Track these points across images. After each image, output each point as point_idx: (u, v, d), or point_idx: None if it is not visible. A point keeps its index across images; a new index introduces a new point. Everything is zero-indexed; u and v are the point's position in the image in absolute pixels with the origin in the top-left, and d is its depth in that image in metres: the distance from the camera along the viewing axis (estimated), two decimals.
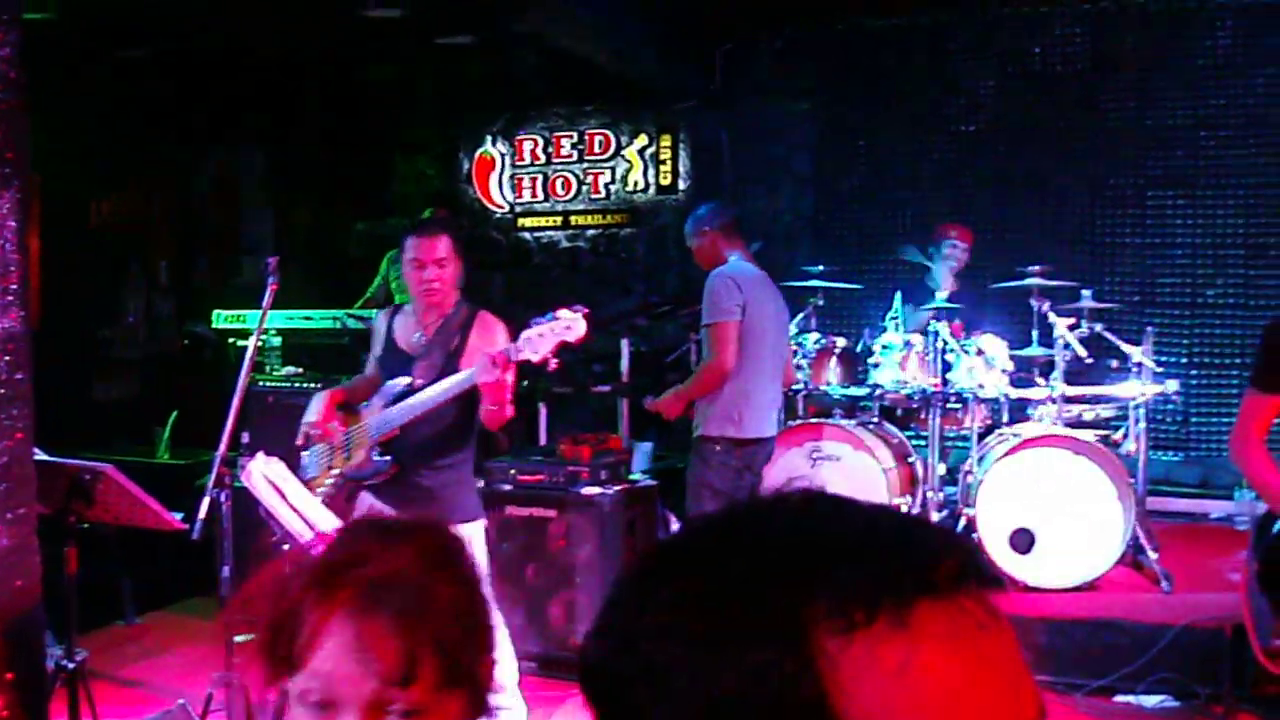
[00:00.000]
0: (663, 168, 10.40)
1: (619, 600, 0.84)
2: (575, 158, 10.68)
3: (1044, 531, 6.39)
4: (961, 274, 7.75)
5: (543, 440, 7.82)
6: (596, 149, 10.60)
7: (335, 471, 4.79)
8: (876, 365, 7.08)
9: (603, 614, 0.85)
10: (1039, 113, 9.13)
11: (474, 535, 4.86)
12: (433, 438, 4.80)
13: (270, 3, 8.39)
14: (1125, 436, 6.91)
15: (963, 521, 6.56)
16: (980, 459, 6.78)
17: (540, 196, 10.80)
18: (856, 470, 6.82)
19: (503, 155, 10.89)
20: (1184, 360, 8.55)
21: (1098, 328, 6.89)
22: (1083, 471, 6.40)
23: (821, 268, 7.56)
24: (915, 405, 7.18)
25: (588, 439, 6.52)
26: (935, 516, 6.86)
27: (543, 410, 8.09)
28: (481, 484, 6.35)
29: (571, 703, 5.64)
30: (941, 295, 7.30)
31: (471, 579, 1.69)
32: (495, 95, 10.78)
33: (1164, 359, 7.32)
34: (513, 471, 6.28)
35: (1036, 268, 6.93)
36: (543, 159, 10.79)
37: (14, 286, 3.36)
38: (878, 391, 7.09)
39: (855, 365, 7.23)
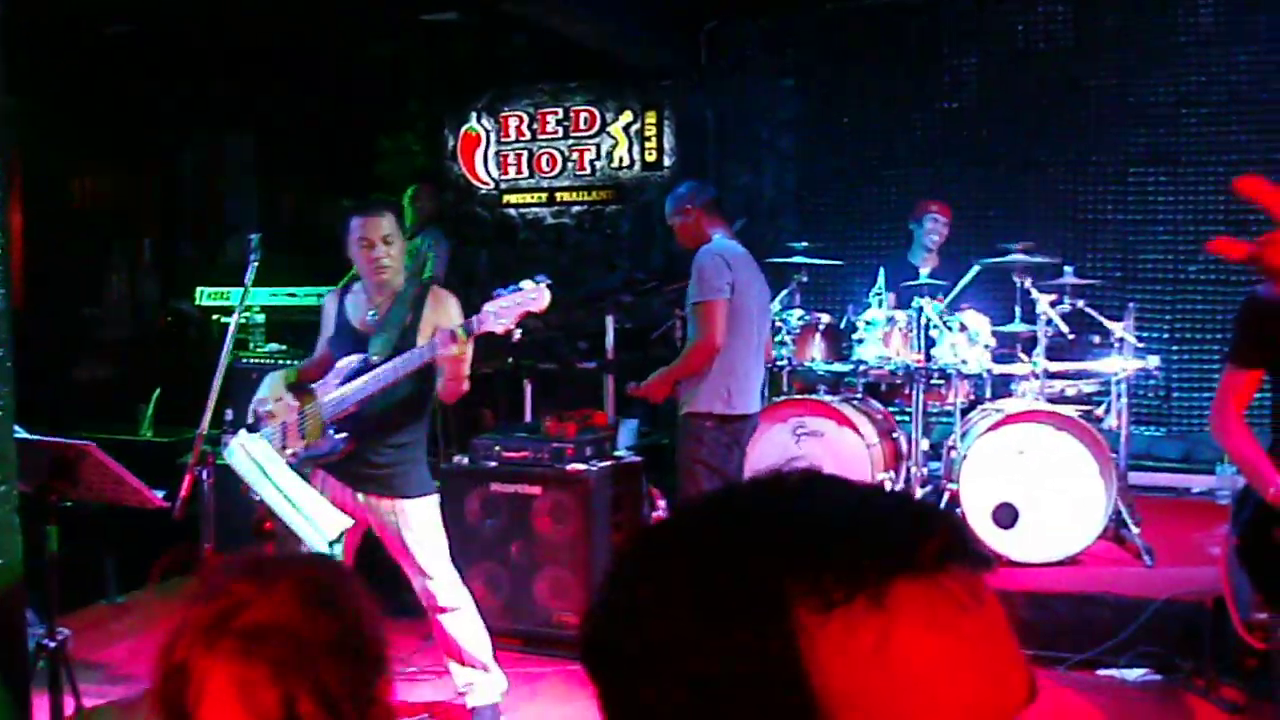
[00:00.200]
0: (648, 145, 10.38)
1: (617, 576, 0.86)
2: (561, 134, 10.67)
3: (1027, 506, 6.42)
4: (943, 250, 7.77)
5: (528, 417, 7.82)
6: (582, 126, 10.58)
7: (290, 451, 4.80)
8: (860, 341, 7.09)
9: (602, 589, 0.86)
10: (1022, 90, 9.13)
11: (426, 510, 4.90)
12: (388, 415, 4.83)
13: None
14: (1107, 412, 6.93)
15: (946, 496, 6.58)
16: (963, 434, 6.80)
17: (525, 173, 10.78)
18: (840, 446, 6.84)
19: (488, 132, 10.87)
20: (1166, 336, 8.57)
21: (1080, 304, 6.91)
22: (1065, 446, 6.42)
23: (805, 244, 7.57)
24: (899, 381, 7.20)
25: (573, 416, 6.53)
26: (919, 492, 6.88)
27: (528, 387, 8.09)
28: (466, 461, 6.38)
29: (556, 678, 5.66)
30: (924, 271, 7.32)
31: (352, 609, 1.74)
32: (481, 72, 10.74)
33: (1146, 335, 7.34)
34: (498, 448, 6.29)
35: (1019, 244, 6.95)
36: (528, 135, 10.76)
37: None
38: (861, 367, 7.10)
39: (839, 341, 7.24)
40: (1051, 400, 6.80)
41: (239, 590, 1.66)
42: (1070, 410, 6.66)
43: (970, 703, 0.77)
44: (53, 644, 4.06)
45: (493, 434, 6.58)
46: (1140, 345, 6.96)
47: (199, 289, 9.04)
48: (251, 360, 7.41)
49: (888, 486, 6.66)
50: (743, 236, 6.42)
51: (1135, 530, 6.53)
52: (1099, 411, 6.96)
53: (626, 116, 10.42)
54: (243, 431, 4.77)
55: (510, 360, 8.23)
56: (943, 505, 6.53)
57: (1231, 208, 8.57)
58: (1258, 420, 4.02)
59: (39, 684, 4.04)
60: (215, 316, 8.72)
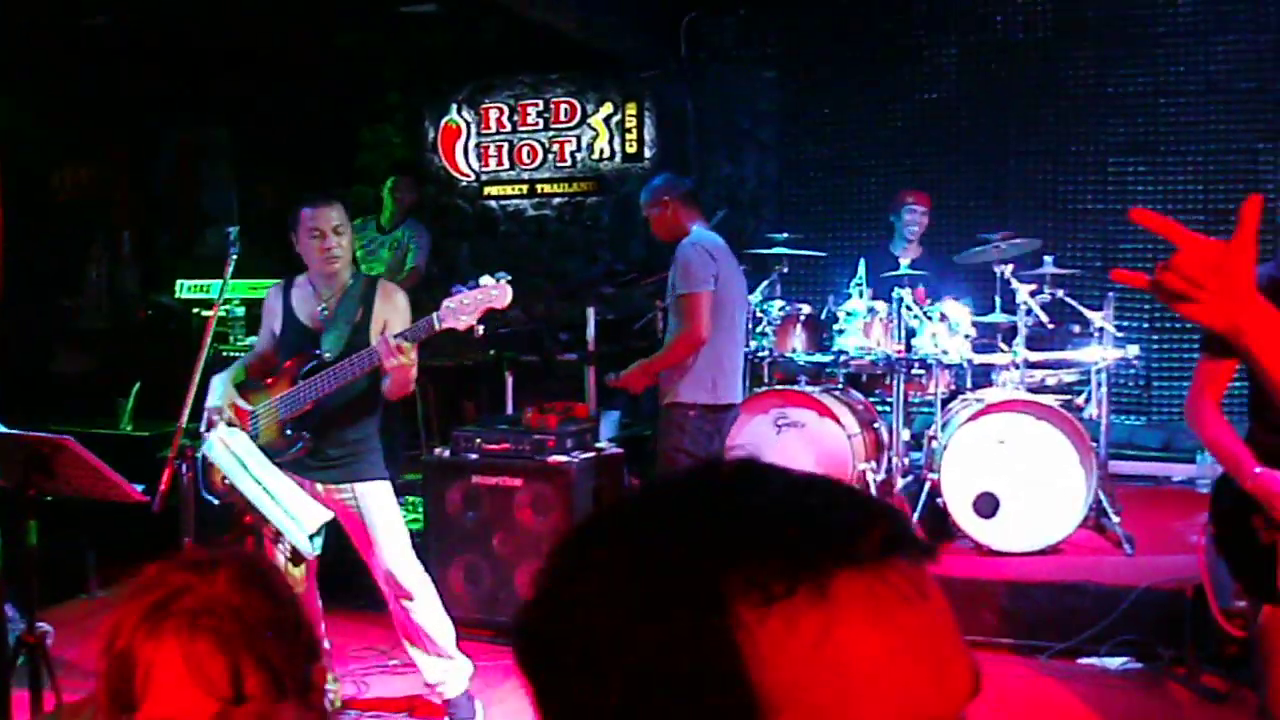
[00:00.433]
0: (629, 136, 10.37)
1: (551, 568, 0.84)
2: (541, 126, 10.65)
3: (1007, 496, 6.44)
4: (924, 240, 7.78)
5: (509, 409, 7.81)
6: (562, 117, 10.56)
7: None
8: (841, 332, 7.09)
9: (536, 582, 0.84)
10: (1001, 81, 9.15)
11: (384, 493, 4.91)
12: (342, 410, 4.84)
13: None
14: (1088, 401, 6.96)
15: (927, 486, 6.60)
16: (944, 424, 6.81)
17: (506, 165, 10.76)
18: (822, 436, 6.85)
19: (468, 124, 10.84)
20: (1145, 325, 8.60)
21: (1060, 293, 6.94)
22: (1046, 436, 6.44)
23: (786, 235, 7.59)
24: (880, 371, 7.21)
25: (554, 407, 6.52)
26: (900, 482, 6.90)
27: (509, 379, 8.08)
28: (447, 453, 6.37)
29: None
30: (905, 262, 7.33)
31: (285, 596, 1.79)
32: (461, 64, 10.72)
33: (1125, 324, 7.37)
34: (479, 440, 6.27)
35: (999, 234, 6.97)
36: (509, 127, 10.75)
37: None
38: (842, 358, 7.10)
39: (820, 332, 7.24)
40: (1032, 390, 6.82)
41: (176, 579, 1.69)
42: (1051, 400, 6.68)
43: (913, 696, 0.76)
44: (33, 638, 4.04)
45: (474, 426, 6.57)
46: (1120, 335, 6.99)
47: (178, 282, 9.00)
48: (231, 353, 7.40)
49: (869, 477, 6.71)
50: (723, 227, 6.43)
51: (1116, 519, 6.55)
52: (1079, 401, 6.98)
53: (607, 108, 10.41)
54: (222, 425, 4.76)
55: (491, 352, 8.21)
56: (924, 495, 6.56)
57: (1210, 196, 8.62)
58: (1237, 409, 4.04)
59: (19, 679, 4.03)
60: (195, 309, 8.69)
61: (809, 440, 6.86)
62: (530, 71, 10.61)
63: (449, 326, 4.50)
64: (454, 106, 10.86)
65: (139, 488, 4.18)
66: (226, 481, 4.56)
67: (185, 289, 8.89)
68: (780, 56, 9.89)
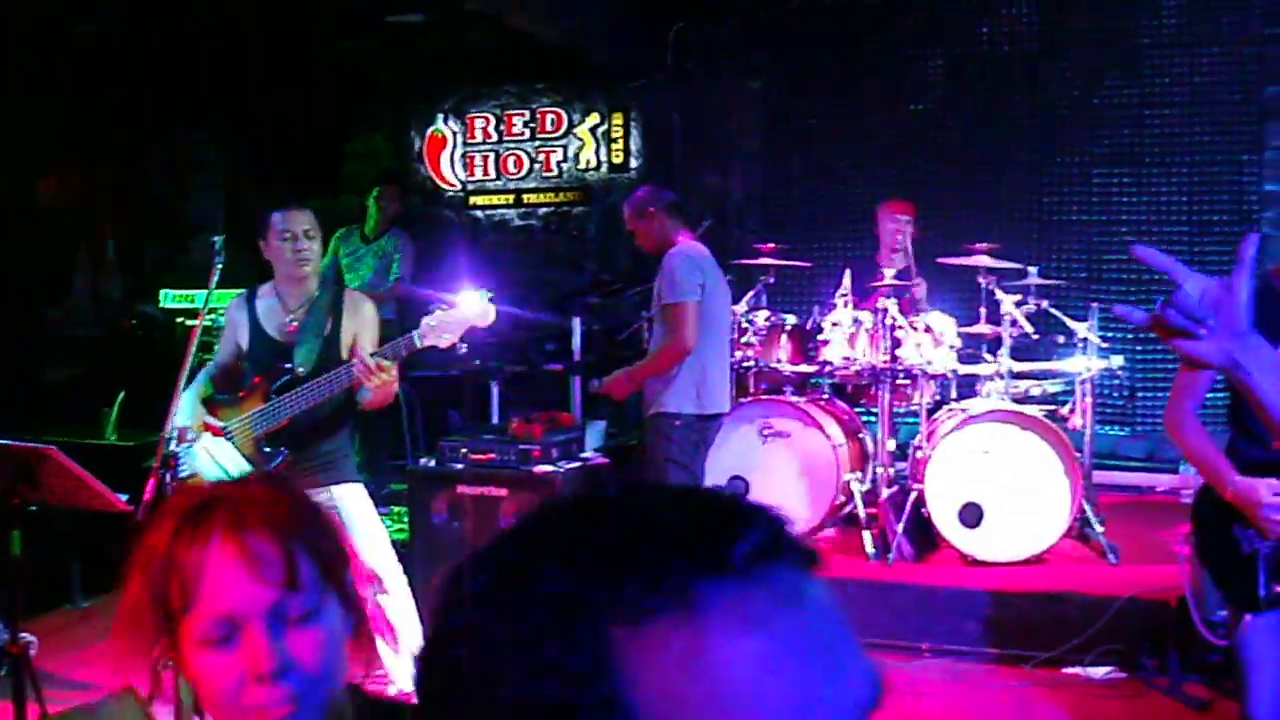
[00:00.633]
0: (614, 146, 10.38)
1: (436, 603, 0.81)
2: (527, 136, 10.65)
3: (992, 506, 6.45)
4: (909, 251, 7.78)
5: (495, 419, 7.81)
6: (549, 127, 10.57)
7: None
8: (826, 343, 7.10)
9: (427, 622, 0.83)
10: (987, 92, 9.18)
11: (359, 495, 4.92)
12: (318, 423, 4.82)
13: None
14: (1072, 411, 6.97)
15: (912, 496, 6.61)
16: (929, 434, 6.83)
17: (492, 175, 10.76)
18: (807, 446, 6.86)
19: (455, 133, 10.84)
20: (1129, 336, 8.61)
21: (1044, 304, 6.95)
22: (1030, 446, 6.46)
23: (772, 245, 7.59)
24: (865, 382, 7.22)
25: (540, 417, 6.53)
26: (886, 492, 6.90)
27: (495, 388, 8.08)
28: (433, 463, 6.37)
29: None
30: (890, 273, 7.35)
31: (315, 503, 1.78)
32: (447, 73, 10.72)
33: (1110, 335, 7.38)
34: (464, 450, 6.27)
35: (984, 245, 6.99)
36: (495, 137, 10.75)
37: None
38: (828, 368, 7.11)
39: (805, 342, 7.25)
40: (1016, 400, 6.84)
41: (208, 491, 1.70)
42: (1035, 410, 6.70)
43: (799, 704, 0.73)
44: (17, 649, 4.02)
45: (460, 436, 6.57)
46: (1104, 345, 7.00)
47: (163, 291, 8.98)
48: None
49: (854, 487, 6.72)
50: (709, 238, 6.44)
51: (1100, 529, 6.57)
52: (1064, 411, 7.00)
53: (593, 118, 10.42)
54: (206, 435, 4.75)
55: (477, 362, 8.21)
56: (909, 505, 6.57)
57: (1195, 208, 8.66)
58: (1219, 419, 4.06)
59: (3, 690, 4.02)
60: (179, 319, 8.67)
61: (794, 450, 6.87)
62: (516, 81, 10.62)
63: (430, 344, 4.49)
64: (440, 116, 10.86)
65: (123, 497, 4.17)
66: None
67: (170, 298, 8.88)
68: (766, 67, 9.91)
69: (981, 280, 6.94)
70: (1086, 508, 6.57)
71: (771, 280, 7.55)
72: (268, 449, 4.75)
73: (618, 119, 10.35)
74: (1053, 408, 7.04)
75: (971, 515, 6.46)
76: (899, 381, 7.05)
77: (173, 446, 4.81)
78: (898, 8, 9.44)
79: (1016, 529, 6.42)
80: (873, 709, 0.77)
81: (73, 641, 6.14)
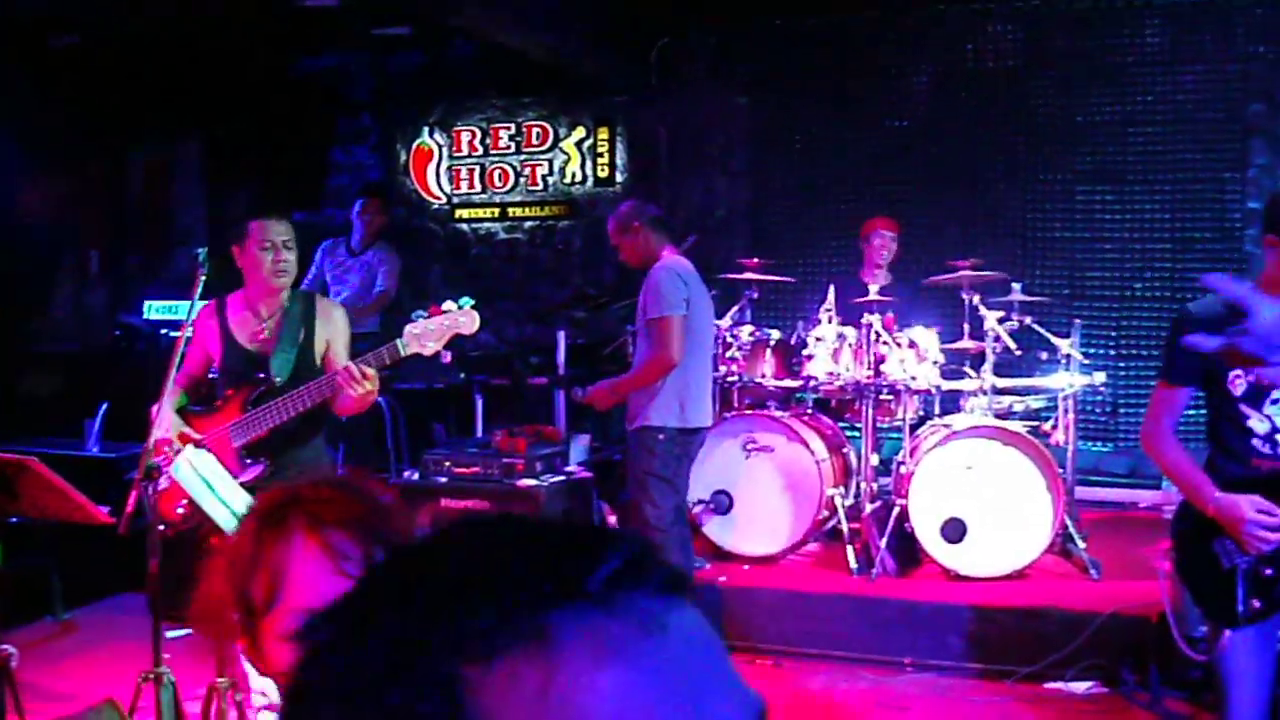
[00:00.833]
0: (600, 160, 10.40)
1: (299, 655, 0.78)
2: (513, 149, 10.66)
3: (975, 521, 6.46)
4: (893, 266, 7.82)
5: (479, 432, 7.81)
6: (534, 141, 10.58)
7: None
8: (810, 358, 7.12)
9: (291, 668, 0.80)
10: (971, 109, 9.21)
11: None
12: (295, 432, 4.81)
13: None
14: (1054, 427, 7.00)
15: (896, 511, 6.62)
16: (912, 450, 6.84)
17: (478, 188, 10.76)
18: (790, 461, 6.87)
19: (440, 147, 10.85)
20: (1112, 352, 8.67)
21: (1027, 320, 6.98)
22: (1013, 462, 6.48)
23: (756, 260, 7.62)
24: (849, 397, 7.24)
25: (524, 431, 6.53)
26: (869, 507, 6.92)
27: (479, 402, 8.08)
28: (417, 476, 6.36)
29: None
30: (874, 288, 7.37)
31: (385, 500, 1.83)
32: (433, 87, 10.73)
33: (1092, 351, 7.43)
34: (448, 464, 6.28)
35: (967, 261, 7.02)
36: (480, 150, 10.75)
37: None
38: (811, 383, 7.13)
39: (789, 357, 7.27)
40: (999, 416, 6.87)
41: (280, 493, 1.77)
42: (1018, 426, 6.73)
43: None
44: None
45: (444, 449, 6.57)
46: (1087, 361, 7.04)
47: (147, 302, 8.96)
48: None
49: (837, 502, 6.73)
50: (694, 252, 6.45)
51: (1082, 545, 6.59)
52: (1046, 427, 7.03)
53: (579, 132, 10.44)
54: (189, 446, 4.73)
55: (462, 375, 8.21)
56: (892, 520, 6.58)
57: (1178, 225, 8.70)
58: (1195, 436, 4.08)
59: None
60: (163, 330, 8.66)
61: (778, 465, 6.88)
62: (502, 95, 10.63)
63: (414, 352, 4.48)
64: (426, 129, 10.87)
65: (104, 509, 4.16)
66: (181, 510, 4.53)
67: (153, 309, 8.86)
68: (752, 82, 9.93)
69: (965, 296, 6.97)
70: (1069, 523, 6.59)
71: (756, 295, 7.58)
72: (248, 459, 4.74)
73: (603, 133, 10.37)
74: (1035, 423, 7.07)
75: (954, 530, 6.48)
76: (883, 397, 7.07)
77: (153, 459, 4.80)
78: (883, 24, 9.47)
79: (999, 544, 6.44)
80: None
81: (54, 652, 6.12)
